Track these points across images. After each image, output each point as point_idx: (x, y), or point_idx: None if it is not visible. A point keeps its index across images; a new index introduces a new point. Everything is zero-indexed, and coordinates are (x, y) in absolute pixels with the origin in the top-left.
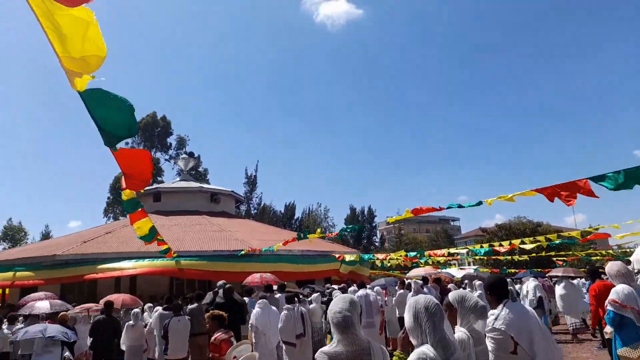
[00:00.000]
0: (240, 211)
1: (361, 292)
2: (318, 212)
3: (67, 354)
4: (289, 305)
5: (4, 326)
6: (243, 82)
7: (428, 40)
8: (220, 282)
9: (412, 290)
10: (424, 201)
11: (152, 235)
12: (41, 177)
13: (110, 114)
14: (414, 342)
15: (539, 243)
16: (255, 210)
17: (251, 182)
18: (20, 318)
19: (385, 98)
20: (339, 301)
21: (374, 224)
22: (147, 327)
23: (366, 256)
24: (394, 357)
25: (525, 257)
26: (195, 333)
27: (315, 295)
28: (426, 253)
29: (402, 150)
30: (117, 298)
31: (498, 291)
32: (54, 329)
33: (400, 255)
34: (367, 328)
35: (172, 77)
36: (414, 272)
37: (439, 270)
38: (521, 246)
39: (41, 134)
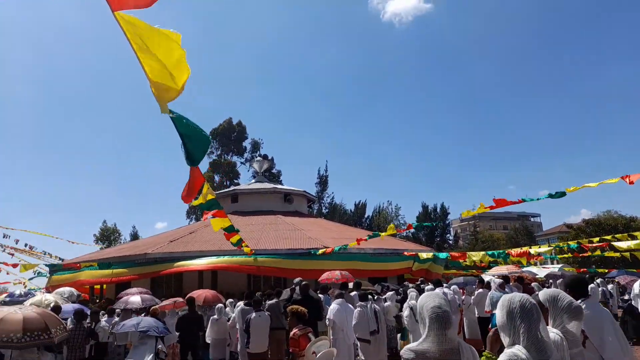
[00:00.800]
0: (312, 210)
1: (438, 290)
2: (389, 210)
3: (160, 345)
4: (362, 303)
5: (104, 318)
6: (313, 83)
7: (501, 32)
8: (296, 279)
9: (492, 289)
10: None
11: (230, 229)
12: (130, 182)
13: (192, 138)
14: (504, 341)
15: (637, 241)
16: (327, 210)
17: (323, 182)
18: (117, 311)
19: (459, 93)
20: (434, 297)
21: (447, 222)
22: (230, 321)
23: (442, 254)
24: (483, 358)
25: (617, 254)
26: (274, 328)
27: (390, 293)
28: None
29: (477, 146)
30: (201, 294)
31: (578, 289)
32: (146, 323)
33: (479, 255)
34: None
35: (245, 82)
36: (494, 271)
37: (521, 269)
38: (614, 243)
39: (129, 143)
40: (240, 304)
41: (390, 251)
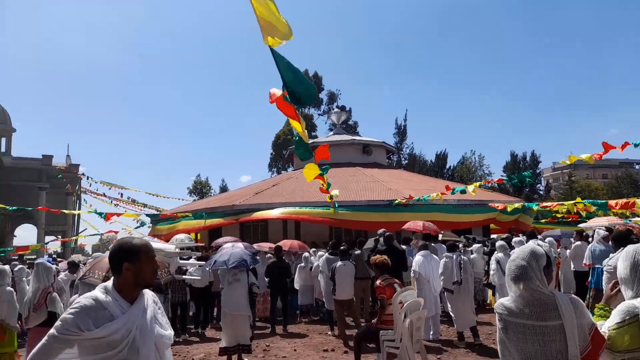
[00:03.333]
0: (392, 162)
1: (531, 243)
2: (472, 160)
3: (252, 278)
4: (448, 254)
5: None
6: (391, 31)
7: None
8: (380, 230)
9: (595, 240)
10: (599, 144)
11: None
12: (219, 138)
13: (295, 81)
14: (626, 295)
15: None
16: (406, 160)
17: (401, 132)
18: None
19: (550, 29)
20: (517, 251)
21: (537, 171)
22: (313, 269)
23: (532, 204)
24: (596, 310)
25: None
26: (359, 277)
27: (477, 245)
28: (613, 203)
29: (573, 85)
30: (286, 243)
31: (622, 241)
32: (236, 257)
33: (576, 204)
34: None
35: (321, 34)
36: (593, 222)
37: (627, 220)
38: None
39: (216, 101)
40: (325, 253)
41: (475, 202)
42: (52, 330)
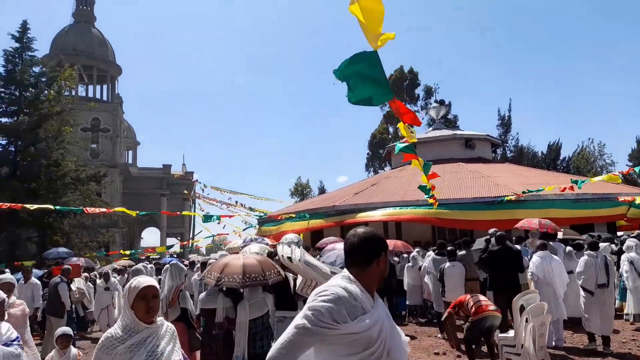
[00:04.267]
0: (497, 155)
1: None
2: (591, 149)
3: None
4: (591, 252)
5: None
6: (487, 20)
7: None
8: (491, 230)
9: None
10: None
11: (427, 169)
12: (315, 139)
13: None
14: None
15: None
16: (512, 153)
17: (505, 124)
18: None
19: None
20: None
21: None
22: (420, 270)
23: None
24: None
25: None
26: (468, 278)
27: (603, 244)
28: None
29: None
30: (390, 242)
31: None
32: (342, 258)
33: None
34: None
35: (416, 29)
36: None
37: None
38: None
39: (314, 101)
40: (431, 253)
41: (597, 196)
42: (301, 321)
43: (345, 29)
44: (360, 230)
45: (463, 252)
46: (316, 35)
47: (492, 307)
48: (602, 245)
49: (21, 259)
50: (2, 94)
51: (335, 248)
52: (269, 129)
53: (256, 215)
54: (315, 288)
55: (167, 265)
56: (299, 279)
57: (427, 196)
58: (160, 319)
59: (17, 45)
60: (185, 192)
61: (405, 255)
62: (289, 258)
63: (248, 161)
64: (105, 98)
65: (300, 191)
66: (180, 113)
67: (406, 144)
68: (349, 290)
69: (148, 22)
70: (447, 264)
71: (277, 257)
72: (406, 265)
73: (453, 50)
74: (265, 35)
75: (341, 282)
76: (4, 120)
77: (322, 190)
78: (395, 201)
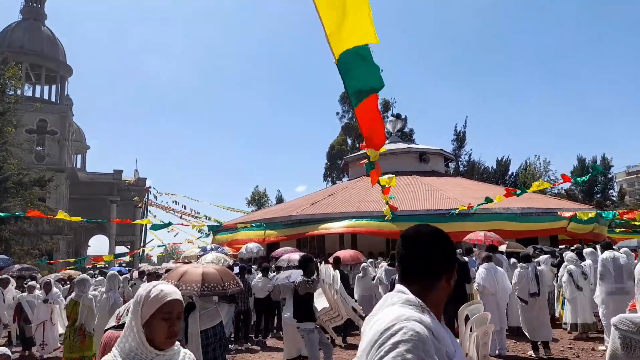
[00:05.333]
0: (449, 169)
1: (606, 254)
2: (537, 166)
3: None
4: (523, 264)
5: (258, 275)
6: (445, 37)
7: None
8: None
9: None
10: None
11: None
12: (274, 148)
13: (360, 73)
14: None
15: None
16: (465, 168)
17: (460, 139)
18: (273, 267)
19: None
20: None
21: (610, 175)
22: (374, 280)
23: (607, 213)
24: None
25: None
26: None
27: (544, 257)
28: None
29: None
30: (345, 253)
31: None
32: (296, 276)
33: None
34: (617, 295)
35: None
36: None
37: None
38: None
39: (273, 110)
40: (384, 264)
41: (541, 210)
42: None
43: (304, 29)
44: (427, 228)
45: None
46: (275, 36)
47: None
48: (543, 257)
49: None
50: None
51: (291, 259)
52: (227, 136)
53: (211, 224)
54: (332, 316)
55: (110, 274)
56: (321, 301)
57: (385, 206)
58: (177, 343)
59: None
60: (137, 198)
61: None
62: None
63: (204, 169)
64: (54, 99)
65: (258, 200)
66: (133, 117)
67: (370, 162)
68: (430, 327)
69: (102, 22)
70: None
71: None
72: (357, 276)
73: (410, 65)
74: (221, 37)
75: (413, 313)
76: None
77: (279, 200)
78: (351, 212)
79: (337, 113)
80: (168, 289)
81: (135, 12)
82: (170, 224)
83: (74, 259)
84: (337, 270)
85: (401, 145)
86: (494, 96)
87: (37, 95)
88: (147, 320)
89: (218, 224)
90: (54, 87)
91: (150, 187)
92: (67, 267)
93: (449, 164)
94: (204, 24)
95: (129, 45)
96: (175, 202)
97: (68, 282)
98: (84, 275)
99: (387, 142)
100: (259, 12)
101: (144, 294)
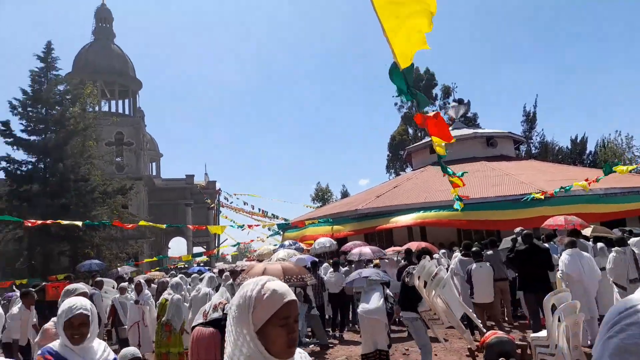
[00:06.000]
0: (520, 152)
1: None
2: (618, 142)
3: (387, 291)
4: (618, 248)
5: (330, 270)
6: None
7: None
8: (517, 229)
9: None
10: None
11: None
12: (335, 144)
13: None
14: None
15: None
16: (537, 150)
17: (530, 120)
18: (345, 262)
19: None
20: None
21: None
22: (448, 271)
23: None
24: None
25: None
26: (497, 279)
27: (635, 239)
28: None
29: None
30: (416, 245)
31: None
32: (369, 271)
33: None
34: None
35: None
36: None
37: None
38: None
39: (330, 106)
40: (458, 254)
41: (627, 189)
42: None
43: (357, 34)
44: None
45: (490, 252)
46: (331, 39)
47: (500, 332)
48: (634, 240)
49: (55, 272)
50: (30, 113)
51: (362, 252)
52: (285, 134)
53: (280, 222)
54: (432, 317)
55: (206, 274)
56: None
57: (456, 204)
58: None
59: (42, 65)
60: (209, 201)
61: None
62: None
63: (267, 167)
64: (127, 112)
65: (322, 196)
66: (200, 123)
67: (448, 168)
68: None
69: (166, 34)
70: (474, 265)
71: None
72: None
73: (471, 48)
74: (280, 41)
75: None
76: (32, 138)
77: (344, 194)
78: (418, 203)
79: (396, 104)
80: (281, 288)
81: (193, 21)
82: (242, 226)
83: (156, 258)
84: (408, 263)
85: (466, 131)
86: (566, 71)
87: (113, 109)
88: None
89: (286, 222)
90: (126, 100)
91: (220, 189)
92: (152, 269)
93: (520, 146)
94: (258, 26)
95: (190, 54)
96: (245, 202)
97: (153, 283)
98: (176, 279)
99: (450, 128)
100: (309, 9)
101: (253, 295)
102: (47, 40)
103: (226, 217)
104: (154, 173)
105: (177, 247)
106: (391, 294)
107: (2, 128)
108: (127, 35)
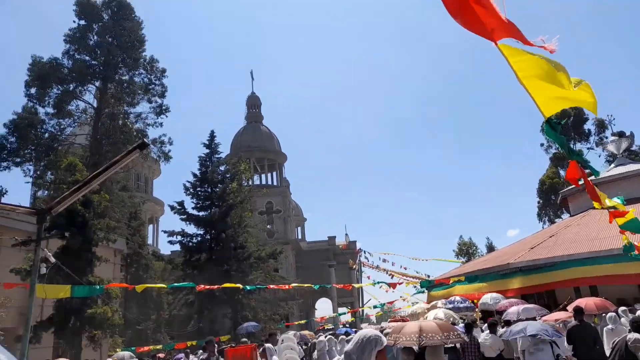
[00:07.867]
0: None
1: None
2: None
3: (559, 352)
4: None
5: (485, 332)
6: None
7: None
8: None
9: None
10: None
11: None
12: (476, 195)
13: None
14: None
15: None
16: None
17: None
18: (502, 323)
19: None
20: None
21: None
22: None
23: None
24: None
25: None
26: None
27: None
28: None
29: None
30: (588, 301)
31: None
32: (534, 327)
33: None
34: None
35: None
36: None
37: None
38: None
39: (462, 156)
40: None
41: None
42: None
43: (485, 75)
44: None
45: None
46: (462, 90)
47: None
48: None
49: (219, 334)
50: (199, 192)
51: (521, 311)
52: (420, 189)
53: (424, 281)
54: None
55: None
56: None
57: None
58: None
59: (207, 150)
60: (350, 261)
61: (603, 315)
62: None
63: (405, 223)
64: (275, 183)
65: (466, 250)
66: (339, 186)
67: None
68: None
69: (304, 105)
70: None
71: None
72: (605, 329)
73: (627, 71)
74: (409, 94)
75: None
76: (201, 213)
77: (490, 248)
78: (583, 253)
79: (542, 144)
80: None
81: (323, 85)
82: (385, 283)
83: (304, 321)
84: (580, 323)
85: (632, 167)
86: None
87: (263, 182)
88: None
89: (429, 280)
90: (274, 173)
91: (360, 249)
92: (303, 331)
93: None
94: (388, 80)
95: (324, 119)
96: (384, 260)
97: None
98: (322, 338)
99: (612, 165)
100: (433, 54)
101: None
102: (210, 129)
103: (369, 277)
104: (299, 237)
105: (323, 307)
106: (563, 356)
107: (178, 207)
108: (273, 114)
